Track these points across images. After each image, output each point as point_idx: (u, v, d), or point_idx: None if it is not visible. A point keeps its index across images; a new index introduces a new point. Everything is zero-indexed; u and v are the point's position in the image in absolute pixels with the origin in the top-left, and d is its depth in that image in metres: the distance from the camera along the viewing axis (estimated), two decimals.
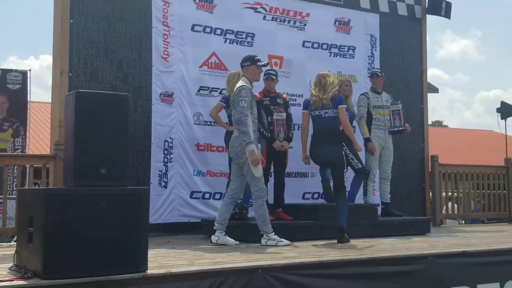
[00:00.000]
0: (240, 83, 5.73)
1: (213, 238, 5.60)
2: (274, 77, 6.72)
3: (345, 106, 6.21)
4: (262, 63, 5.92)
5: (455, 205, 10.26)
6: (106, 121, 3.61)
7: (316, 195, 7.76)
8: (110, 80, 6.78)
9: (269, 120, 6.59)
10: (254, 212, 5.65)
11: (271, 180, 6.69)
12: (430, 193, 9.12)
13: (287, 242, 5.48)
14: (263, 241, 5.51)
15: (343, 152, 6.11)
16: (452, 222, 11.10)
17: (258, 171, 5.56)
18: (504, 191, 10.03)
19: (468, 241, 6.11)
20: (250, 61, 5.85)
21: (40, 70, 63.25)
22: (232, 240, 5.57)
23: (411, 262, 4.67)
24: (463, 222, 11.13)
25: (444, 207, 10.04)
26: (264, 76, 6.61)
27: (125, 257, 3.46)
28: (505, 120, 9.79)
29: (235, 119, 5.59)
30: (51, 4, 6.67)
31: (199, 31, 7.25)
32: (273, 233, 5.53)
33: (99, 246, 3.40)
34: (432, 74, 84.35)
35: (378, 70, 7.85)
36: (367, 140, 7.32)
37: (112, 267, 3.42)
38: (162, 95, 6.92)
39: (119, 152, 3.65)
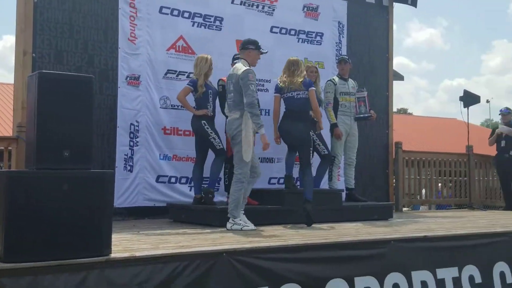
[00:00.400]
0: (243, 67, 5.74)
1: (228, 225, 5.55)
2: None
3: (315, 89, 6.52)
4: (264, 51, 6.04)
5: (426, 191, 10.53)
6: (70, 103, 3.56)
7: (282, 180, 7.78)
8: (75, 61, 6.66)
9: None
10: (230, 194, 5.66)
11: None
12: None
13: (253, 227, 5.51)
14: (228, 225, 5.53)
15: (311, 137, 6.48)
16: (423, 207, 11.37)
17: (248, 155, 5.59)
18: (465, 178, 10.28)
19: (429, 226, 6.25)
20: (254, 46, 5.91)
21: (3, 50, 61.77)
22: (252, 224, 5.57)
23: (374, 246, 4.75)
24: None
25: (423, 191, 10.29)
26: (233, 61, 6.61)
27: (88, 240, 3.44)
28: (468, 109, 9.99)
29: (248, 102, 5.58)
30: None
31: (167, 14, 7.17)
32: (240, 218, 5.55)
33: (62, 229, 3.37)
34: (399, 62, 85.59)
35: (346, 56, 7.90)
36: (333, 126, 7.39)
37: (75, 250, 3.40)
38: (128, 78, 6.84)
39: (82, 135, 3.60)
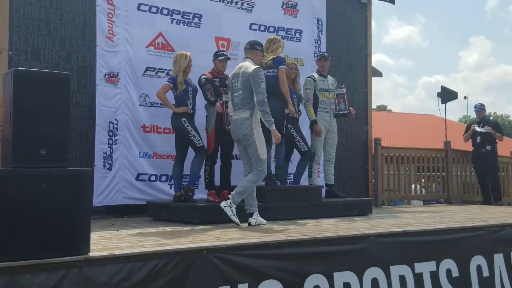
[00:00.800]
0: (252, 65, 5.79)
1: (252, 221, 5.60)
2: (229, 59, 6.78)
3: (285, 67, 6.66)
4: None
5: (423, 187, 10.65)
6: (47, 101, 3.52)
7: None
8: (52, 59, 6.61)
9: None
10: (241, 182, 5.68)
11: (218, 162, 6.69)
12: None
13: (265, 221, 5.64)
14: (252, 221, 5.58)
15: (289, 129, 6.79)
16: (418, 202, 11.46)
17: (264, 153, 5.69)
18: (443, 173, 10.40)
19: (407, 221, 6.31)
20: (261, 48, 6.06)
21: None
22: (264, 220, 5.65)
23: (353, 241, 4.78)
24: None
25: (413, 186, 10.40)
26: (221, 57, 6.60)
27: (66, 239, 3.41)
28: (445, 105, 10.11)
29: (259, 100, 5.63)
30: None
31: (145, 11, 7.13)
32: (257, 213, 5.67)
33: (39, 228, 3.33)
34: (378, 59, 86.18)
35: (326, 53, 7.93)
36: (313, 123, 7.42)
37: (53, 249, 3.36)
38: (107, 76, 6.79)
39: (60, 133, 3.56)
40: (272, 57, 6.59)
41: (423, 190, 10.89)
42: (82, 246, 3.48)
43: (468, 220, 6.40)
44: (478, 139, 9.86)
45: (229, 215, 5.50)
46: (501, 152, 10.08)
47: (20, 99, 3.46)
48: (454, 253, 5.31)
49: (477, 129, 9.84)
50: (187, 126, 6.36)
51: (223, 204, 5.57)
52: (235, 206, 5.59)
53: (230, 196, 5.64)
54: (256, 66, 5.80)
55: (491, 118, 10.49)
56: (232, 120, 5.89)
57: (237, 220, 5.53)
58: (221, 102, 6.31)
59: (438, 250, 5.25)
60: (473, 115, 11.54)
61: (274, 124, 5.71)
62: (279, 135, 5.83)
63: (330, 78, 7.70)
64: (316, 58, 8.06)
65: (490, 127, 9.79)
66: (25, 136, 3.46)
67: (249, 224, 5.58)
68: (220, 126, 6.47)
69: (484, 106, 10.12)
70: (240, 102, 5.76)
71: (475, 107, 10.25)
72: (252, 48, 5.98)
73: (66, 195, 3.44)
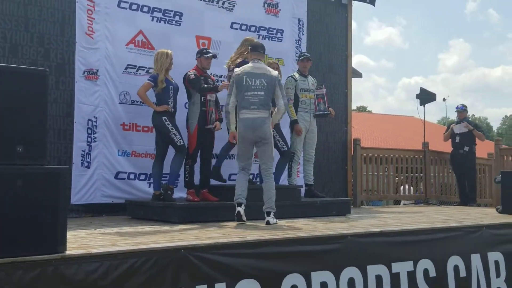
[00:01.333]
0: (271, 69, 6.04)
1: (271, 220, 5.67)
2: (216, 56, 6.84)
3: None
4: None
5: (411, 188, 10.73)
6: (23, 98, 3.47)
7: None
8: (30, 55, 6.54)
9: (202, 100, 6.53)
10: (267, 190, 5.79)
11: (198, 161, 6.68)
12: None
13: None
14: (271, 220, 5.66)
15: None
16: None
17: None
18: (421, 174, 10.51)
19: (385, 221, 6.36)
20: (264, 51, 6.16)
21: None
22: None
23: (331, 241, 4.80)
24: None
25: (402, 187, 10.47)
26: (207, 54, 6.59)
27: (42, 238, 3.37)
28: (424, 106, 10.19)
29: (285, 103, 6.03)
30: None
31: (126, 8, 7.08)
32: None
33: (15, 226, 3.30)
34: (358, 60, 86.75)
35: (308, 54, 7.95)
36: (294, 122, 7.45)
37: (29, 247, 3.33)
38: (86, 73, 6.73)
39: (37, 130, 3.52)
40: (239, 60, 6.74)
41: (412, 190, 10.92)
42: (59, 244, 3.45)
43: (445, 221, 6.48)
44: (457, 139, 9.90)
45: (276, 222, 5.65)
46: (478, 154, 10.18)
47: None
48: (431, 253, 5.35)
49: (455, 129, 9.91)
50: (168, 124, 6.33)
51: (271, 220, 5.65)
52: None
53: (268, 210, 5.73)
54: (276, 72, 6.11)
55: (470, 120, 10.55)
56: (248, 119, 5.80)
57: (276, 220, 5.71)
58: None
59: (415, 250, 5.29)
60: (452, 116, 11.67)
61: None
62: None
63: (310, 78, 7.73)
64: (297, 58, 8.07)
65: (466, 123, 9.81)
66: (1, 133, 3.42)
67: (268, 223, 5.63)
68: (203, 125, 6.46)
69: (465, 107, 10.14)
70: (259, 102, 5.80)
71: (456, 107, 10.28)
72: (264, 51, 6.12)
73: (43, 193, 3.40)
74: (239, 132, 5.88)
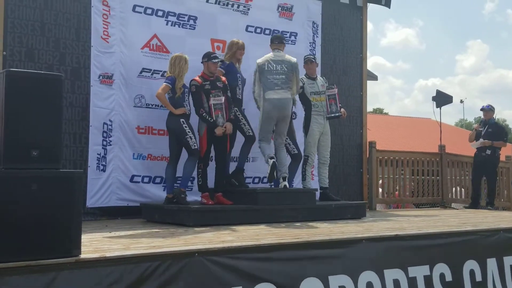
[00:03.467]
0: (293, 58, 6.93)
1: (288, 184, 6.69)
2: (219, 61, 6.80)
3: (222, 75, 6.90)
4: None
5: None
6: (38, 102, 3.50)
7: (256, 180, 7.81)
8: (47, 59, 6.58)
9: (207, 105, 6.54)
10: (282, 159, 6.82)
11: (212, 164, 6.69)
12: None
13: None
14: (288, 184, 6.68)
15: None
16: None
17: None
18: (438, 177, 10.40)
19: (401, 225, 6.31)
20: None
21: None
22: None
23: (346, 245, 4.78)
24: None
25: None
26: (215, 59, 6.60)
27: (57, 241, 3.39)
28: (440, 109, 10.09)
29: (298, 88, 7.01)
30: None
31: (140, 12, 7.11)
32: None
33: (30, 230, 3.32)
34: (375, 62, 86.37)
35: (311, 56, 7.90)
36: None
37: (43, 251, 3.35)
38: (101, 77, 6.77)
39: (51, 134, 3.55)
40: (227, 63, 7.00)
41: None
42: (73, 248, 3.47)
43: (461, 225, 6.41)
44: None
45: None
46: None
47: (12, 100, 3.45)
48: (447, 257, 5.30)
49: (472, 146, 9.74)
50: (185, 127, 6.35)
51: (287, 184, 6.67)
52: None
53: (284, 176, 6.67)
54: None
55: (496, 121, 10.18)
56: (276, 99, 6.63)
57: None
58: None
59: (431, 254, 5.24)
60: (469, 118, 11.49)
61: None
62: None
63: (319, 79, 7.67)
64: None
65: (482, 140, 9.55)
66: (16, 137, 3.45)
67: (285, 187, 6.59)
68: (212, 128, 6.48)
69: (492, 107, 9.87)
70: (282, 84, 6.66)
71: (482, 107, 9.95)
72: (277, 41, 6.98)
73: (58, 196, 3.43)
74: (264, 111, 6.68)
